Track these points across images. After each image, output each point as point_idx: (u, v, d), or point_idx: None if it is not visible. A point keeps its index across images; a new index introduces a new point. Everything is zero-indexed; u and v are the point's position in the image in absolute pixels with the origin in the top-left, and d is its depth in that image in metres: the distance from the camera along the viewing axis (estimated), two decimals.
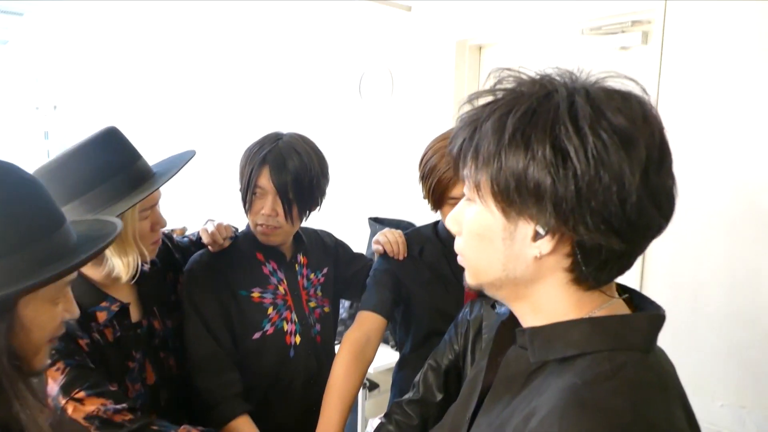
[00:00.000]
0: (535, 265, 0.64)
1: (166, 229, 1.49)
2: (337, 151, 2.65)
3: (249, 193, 1.35)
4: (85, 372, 1.10)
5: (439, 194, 1.39)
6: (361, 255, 1.69)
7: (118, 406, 1.08)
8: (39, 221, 0.74)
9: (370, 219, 2.90)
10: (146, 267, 1.33)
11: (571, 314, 0.65)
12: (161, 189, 1.22)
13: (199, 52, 4.01)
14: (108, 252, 1.15)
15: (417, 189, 1.45)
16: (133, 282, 1.27)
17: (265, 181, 1.34)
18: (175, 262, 1.43)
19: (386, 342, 2.65)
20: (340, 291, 1.64)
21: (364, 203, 3.10)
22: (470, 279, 0.75)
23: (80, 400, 1.06)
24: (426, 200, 1.46)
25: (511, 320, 0.79)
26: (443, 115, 2.72)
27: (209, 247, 1.41)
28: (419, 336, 1.53)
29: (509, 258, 0.65)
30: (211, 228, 1.41)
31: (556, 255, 0.62)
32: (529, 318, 0.69)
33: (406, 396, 1.32)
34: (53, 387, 1.06)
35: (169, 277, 1.41)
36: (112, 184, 1.11)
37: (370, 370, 2.07)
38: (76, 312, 0.82)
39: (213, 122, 4.00)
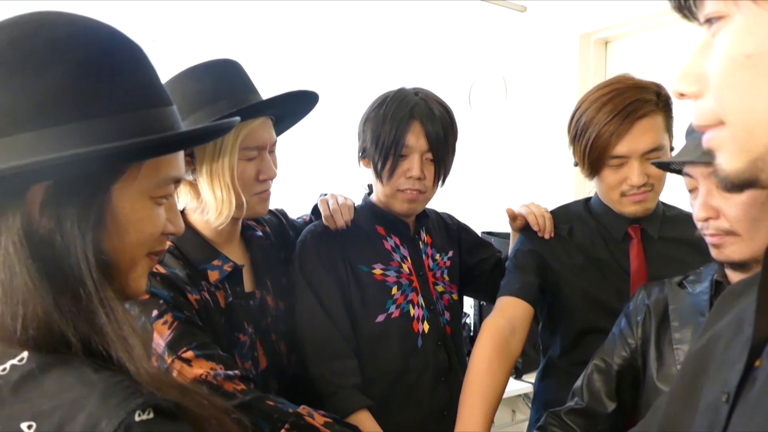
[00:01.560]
0: None
1: (279, 207, 1.34)
2: None
3: (393, 153, 1.18)
4: (193, 329, 0.95)
5: (597, 154, 1.15)
6: (488, 243, 1.46)
7: (230, 373, 0.93)
8: (152, 90, 0.60)
9: (483, 233, 2.67)
10: (259, 232, 1.18)
11: None
12: (279, 138, 1.09)
13: (304, 56, 3.99)
14: (202, 179, 1.00)
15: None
16: (243, 246, 1.14)
17: (414, 138, 1.17)
18: (288, 241, 1.27)
19: None
20: (463, 283, 1.40)
21: (475, 217, 2.87)
22: (738, 155, 0.44)
23: (188, 361, 0.92)
24: (579, 167, 1.23)
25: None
26: (564, 118, 2.48)
27: (324, 221, 1.23)
28: (571, 334, 1.26)
29: None
30: (332, 203, 1.23)
31: None
32: None
33: (566, 405, 1.06)
34: (159, 343, 0.92)
35: (282, 257, 1.24)
36: (215, 109, 0.98)
37: None
38: (181, 226, 0.67)
39: (316, 128, 3.93)
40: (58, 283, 0.53)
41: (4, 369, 0.51)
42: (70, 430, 0.47)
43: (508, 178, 2.76)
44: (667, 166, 0.99)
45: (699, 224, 0.88)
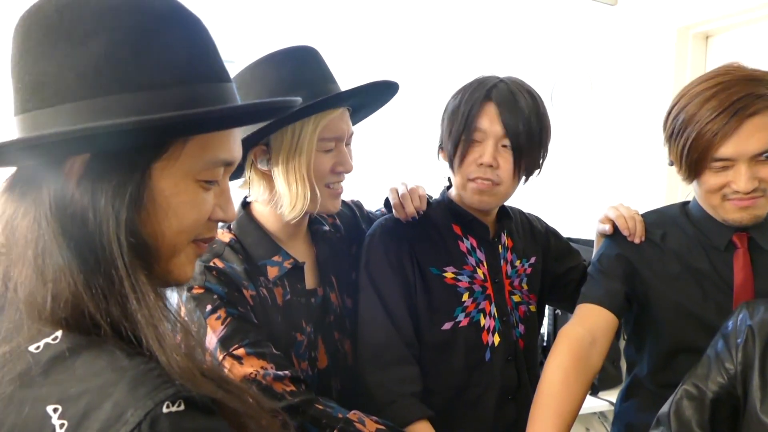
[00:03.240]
0: None
1: (353, 198, 1.30)
2: None
3: (463, 138, 1.08)
4: (247, 326, 0.92)
5: (698, 155, 1.02)
6: (576, 251, 1.34)
7: (280, 373, 0.90)
8: (204, 63, 0.56)
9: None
10: (325, 227, 1.14)
11: None
12: (356, 130, 1.04)
13: (385, 50, 3.93)
14: (276, 176, 0.97)
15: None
16: (310, 243, 1.11)
17: (487, 122, 1.07)
18: (361, 234, 1.20)
19: None
20: (546, 292, 1.30)
21: (558, 223, 2.73)
22: None
23: (239, 358, 0.89)
24: (676, 168, 1.10)
25: None
26: (657, 120, 2.30)
27: (394, 212, 1.16)
28: (661, 352, 1.13)
29: None
30: (402, 190, 1.16)
31: None
32: None
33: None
34: (212, 340, 0.89)
35: (353, 251, 1.19)
36: (296, 96, 0.94)
37: None
38: (232, 212, 0.62)
39: (397, 123, 3.88)
40: (89, 263, 0.51)
41: (38, 347, 0.49)
42: (95, 418, 0.44)
43: (592, 180, 2.60)
44: None
45: None
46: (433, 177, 1.33)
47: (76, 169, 0.52)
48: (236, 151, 0.60)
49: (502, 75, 1.15)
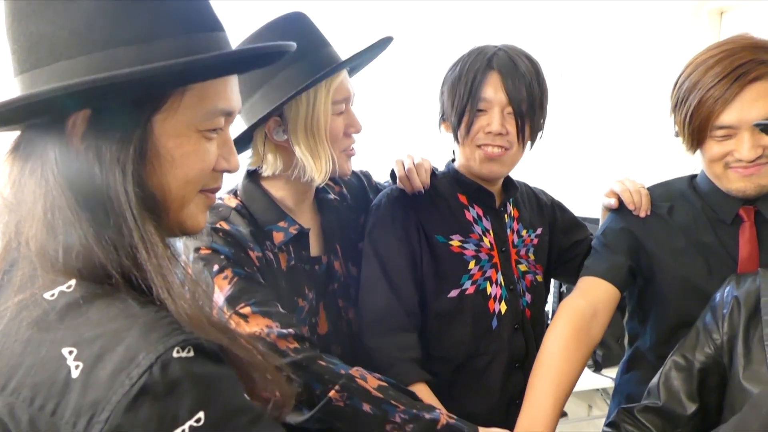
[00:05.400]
0: None
1: (362, 169, 1.30)
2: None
3: (468, 109, 1.09)
4: (253, 285, 0.94)
5: (699, 122, 1.02)
6: (583, 224, 1.33)
7: (284, 331, 0.92)
8: (196, 13, 0.57)
9: None
10: (332, 195, 1.15)
11: None
12: (356, 89, 1.05)
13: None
14: (297, 146, 0.98)
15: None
16: (317, 212, 1.12)
17: (491, 90, 1.08)
18: (369, 204, 1.21)
19: None
20: (552, 265, 1.30)
21: (563, 201, 2.73)
22: None
23: (245, 317, 0.91)
24: (681, 138, 1.09)
25: None
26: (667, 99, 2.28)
27: (399, 183, 1.17)
28: (665, 326, 1.14)
29: None
30: (408, 163, 1.17)
31: None
32: None
33: (642, 402, 0.96)
34: (219, 299, 0.91)
35: (361, 221, 1.20)
36: (301, 65, 0.95)
37: None
38: (236, 163, 0.63)
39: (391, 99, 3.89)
40: (98, 216, 0.52)
41: (53, 295, 0.51)
42: (109, 359, 0.46)
43: (598, 158, 2.59)
44: None
45: None
46: (436, 148, 1.33)
47: (79, 126, 0.53)
48: (235, 101, 0.61)
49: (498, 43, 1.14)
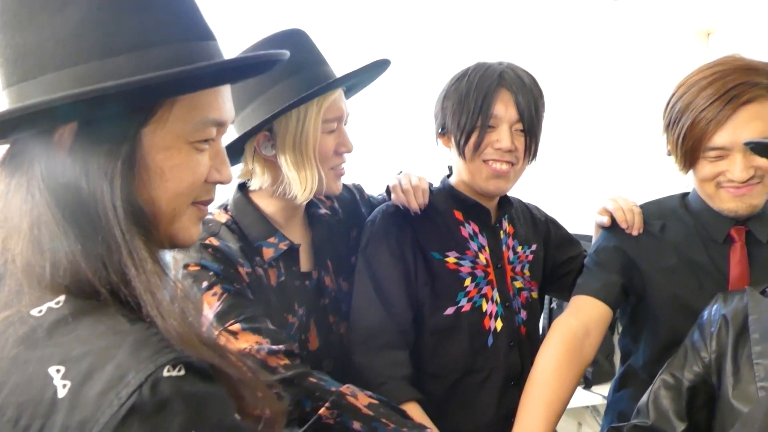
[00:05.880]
0: None
1: (354, 182, 1.30)
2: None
3: (480, 125, 1.08)
4: (242, 302, 0.94)
5: (692, 143, 1.02)
6: (577, 240, 1.34)
7: (275, 348, 0.91)
8: (186, 22, 0.55)
9: None
10: (323, 210, 1.14)
11: None
12: (351, 108, 1.05)
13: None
14: (284, 162, 0.97)
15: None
16: (307, 227, 1.12)
17: (503, 108, 1.08)
18: (361, 218, 1.21)
19: None
20: (546, 281, 1.30)
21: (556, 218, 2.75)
22: None
23: (234, 334, 0.90)
24: (673, 158, 1.10)
25: None
26: (658, 113, 2.31)
27: (395, 202, 1.16)
28: (657, 343, 1.14)
29: None
30: (405, 184, 1.16)
31: None
32: None
33: (631, 422, 0.95)
34: (208, 315, 0.91)
35: (353, 235, 1.19)
36: (295, 81, 0.95)
37: None
38: (228, 174, 0.62)
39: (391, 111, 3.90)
40: (86, 231, 0.51)
41: (41, 311, 0.49)
42: (98, 378, 0.45)
43: (590, 176, 2.61)
44: (765, 147, 0.86)
45: None
46: (429, 161, 1.33)
47: (66, 139, 0.51)
48: (227, 111, 0.59)
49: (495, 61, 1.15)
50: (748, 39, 2.11)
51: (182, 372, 0.46)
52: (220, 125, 0.59)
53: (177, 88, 0.53)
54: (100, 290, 0.50)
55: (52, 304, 0.50)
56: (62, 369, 0.46)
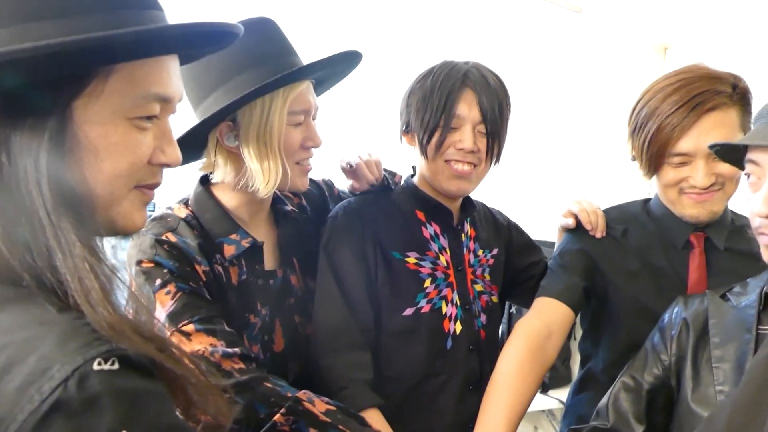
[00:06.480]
0: None
1: (324, 177, 1.26)
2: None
3: (442, 125, 1.06)
4: (197, 301, 0.89)
5: (657, 149, 1.04)
6: (538, 246, 1.34)
7: (230, 350, 0.87)
8: None
9: None
10: (289, 207, 1.10)
11: None
12: (320, 104, 1.02)
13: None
14: (246, 153, 0.93)
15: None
16: (273, 224, 1.08)
17: (466, 108, 1.06)
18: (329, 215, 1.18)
19: None
20: (507, 286, 1.30)
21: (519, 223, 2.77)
22: None
23: (187, 335, 0.86)
24: (637, 163, 1.12)
25: None
26: (618, 127, 2.36)
27: (352, 183, 1.14)
28: (617, 346, 1.14)
29: None
30: (356, 159, 1.13)
31: None
32: None
33: (590, 423, 0.95)
34: (160, 314, 0.86)
35: (322, 231, 1.16)
36: (261, 70, 0.91)
37: None
38: (175, 156, 0.57)
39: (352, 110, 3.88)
40: (7, 212, 0.46)
41: None
42: (17, 371, 0.41)
43: (553, 183, 2.65)
44: (730, 151, 0.87)
45: (757, 221, 0.79)
46: (395, 159, 1.31)
47: None
48: (173, 86, 0.55)
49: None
50: (703, 53, 2.18)
51: (115, 366, 0.42)
52: (165, 101, 0.55)
53: (109, 54, 0.49)
54: (23, 276, 0.46)
55: None
56: None
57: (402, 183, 1.21)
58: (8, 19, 0.46)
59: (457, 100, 1.06)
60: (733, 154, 0.87)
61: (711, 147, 0.90)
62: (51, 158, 0.47)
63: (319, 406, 0.91)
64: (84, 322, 0.45)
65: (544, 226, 1.67)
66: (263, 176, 0.93)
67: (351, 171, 1.16)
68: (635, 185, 2.24)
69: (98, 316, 0.45)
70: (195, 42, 0.59)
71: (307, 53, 1.01)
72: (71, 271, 0.46)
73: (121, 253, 0.94)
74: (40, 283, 0.47)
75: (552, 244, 1.31)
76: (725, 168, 1.00)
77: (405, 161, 1.25)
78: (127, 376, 0.43)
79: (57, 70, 0.47)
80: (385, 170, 1.24)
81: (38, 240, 0.47)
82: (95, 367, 0.41)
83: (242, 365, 0.88)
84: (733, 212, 1.15)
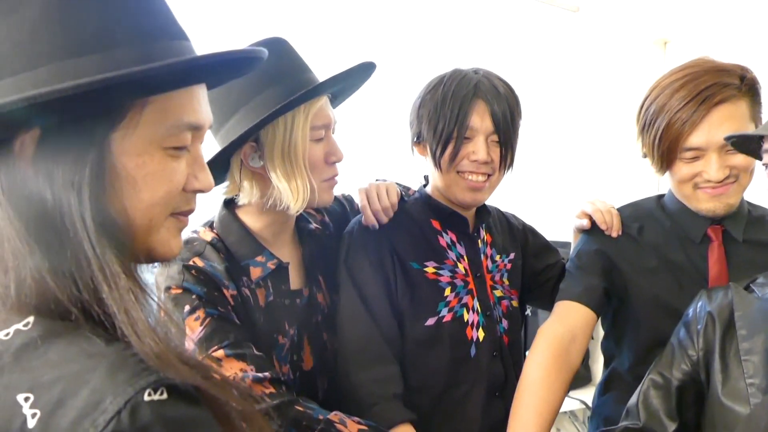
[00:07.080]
0: None
1: (344, 193, 1.27)
2: None
3: (455, 137, 1.06)
4: (227, 326, 0.89)
5: (669, 145, 1.04)
6: (555, 248, 1.34)
7: (260, 375, 0.87)
8: (153, 20, 0.52)
9: None
10: (313, 225, 1.11)
11: None
12: (338, 117, 1.03)
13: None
14: (273, 173, 0.94)
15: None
16: (298, 242, 1.09)
17: (478, 119, 1.06)
18: None
19: None
20: (525, 289, 1.30)
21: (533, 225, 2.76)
22: None
23: (218, 360, 0.86)
24: (649, 160, 1.12)
25: None
26: (621, 123, 2.36)
27: (363, 220, 1.13)
28: (640, 345, 1.14)
29: None
30: (374, 203, 1.12)
31: None
32: None
33: (620, 424, 0.95)
34: (190, 341, 0.87)
35: (340, 247, 1.15)
36: (279, 89, 0.92)
37: None
38: (208, 182, 0.58)
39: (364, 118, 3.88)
40: (53, 246, 0.47)
41: (8, 334, 0.45)
42: (71, 406, 0.41)
43: (563, 184, 2.65)
44: (745, 141, 0.87)
45: None
46: (408, 170, 1.31)
47: (27, 148, 0.48)
48: (203, 113, 0.56)
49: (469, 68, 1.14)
50: (703, 47, 2.18)
51: (164, 395, 0.43)
52: (196, 129, 0.55)
53: (144, 87, 0.50)
54: (71, 309, 0.46)
55: (19, 326, 0.46)
56: (31, 397, 0.42)
57: (416, 193, 1.21)
58: (46, 58, 0.47)
59: (470, 112, 1.06)
60: (748, 145, 0.87)
61: (727, 138, 0.90)
62: (93, 191, 0.48)
63: (351, 426, 0.91)
64: (131, 353, 0.45)
65: (555, 226, 1.67)
66: (292, 194, 0.94)
67: (365, 206, 1.14)
68: (643, 182, 2.24)
69: (145, 347, 0.46)
70: (225, 70, 0.60)
71: (319, 70, 1.02)
72: (117, 303, 0.47)
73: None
74: (87, 315, 0.47)
75: (566, 245, 1.31)
76: (738, 159, 1.00)
77: (415, 171, 1.26)
78: (176, 406, 0.43)
79: (95, 105, 0.48)
80: (399, 184, 1.24)
81: (84, 273, 0.47)
82: (146, 398, 0.42)
83: (273, 389, 0.88)
84: (749, 203, 1.15)
